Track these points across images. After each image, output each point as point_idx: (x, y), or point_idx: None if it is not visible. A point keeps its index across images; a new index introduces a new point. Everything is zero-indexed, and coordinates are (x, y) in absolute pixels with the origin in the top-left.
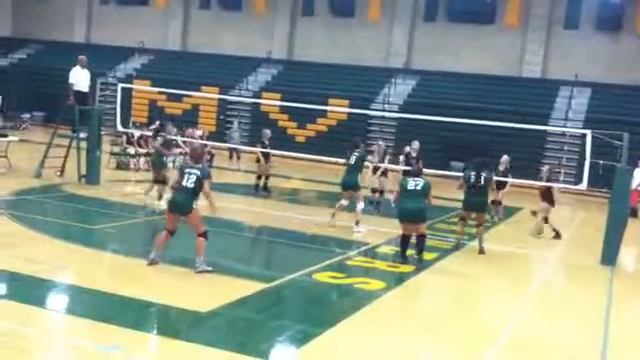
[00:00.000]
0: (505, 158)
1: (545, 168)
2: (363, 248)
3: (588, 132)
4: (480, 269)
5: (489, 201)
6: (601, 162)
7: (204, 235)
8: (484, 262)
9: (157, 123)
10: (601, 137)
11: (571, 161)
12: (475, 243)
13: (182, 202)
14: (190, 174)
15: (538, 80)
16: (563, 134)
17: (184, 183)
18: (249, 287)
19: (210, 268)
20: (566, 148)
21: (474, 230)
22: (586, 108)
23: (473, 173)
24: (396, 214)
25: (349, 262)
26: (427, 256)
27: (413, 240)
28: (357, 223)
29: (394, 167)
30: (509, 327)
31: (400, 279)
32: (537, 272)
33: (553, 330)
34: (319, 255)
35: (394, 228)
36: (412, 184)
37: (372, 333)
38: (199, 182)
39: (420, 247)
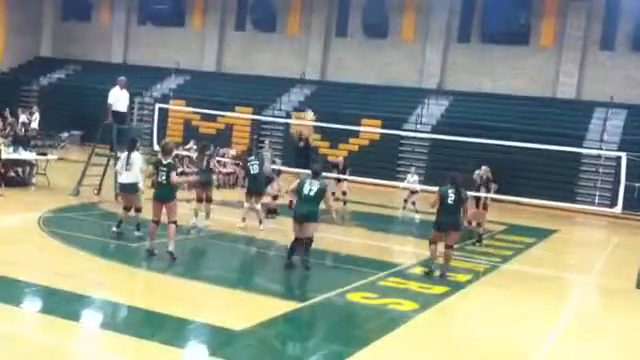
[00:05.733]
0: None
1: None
2: (396, 269)
3: (623, 155)
4: (513, 292)
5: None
6: (637, 185)
7: (175, 223)
8: (518, 285)
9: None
10: (637, 160)
11: (606, 183)
12: (508, 265)
13: (164, 194)
14: (161, 171)
15: (573, 101)
16: (598, 156)
17: (159, 179)
18: (283, 306)
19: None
20: (601, 170)
21: (504, 252)
22: (621, 130)
23: (451, 190)
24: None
25: (382, 283)
26: (461, 278)
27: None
28: None
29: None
30: (543, 349)
31: (433, 300)
32: (572, 295)
33: (588, 353)
34: (352, 275)
35: (426, 249)
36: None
37: (405, 354)
38: (168, 175)
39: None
